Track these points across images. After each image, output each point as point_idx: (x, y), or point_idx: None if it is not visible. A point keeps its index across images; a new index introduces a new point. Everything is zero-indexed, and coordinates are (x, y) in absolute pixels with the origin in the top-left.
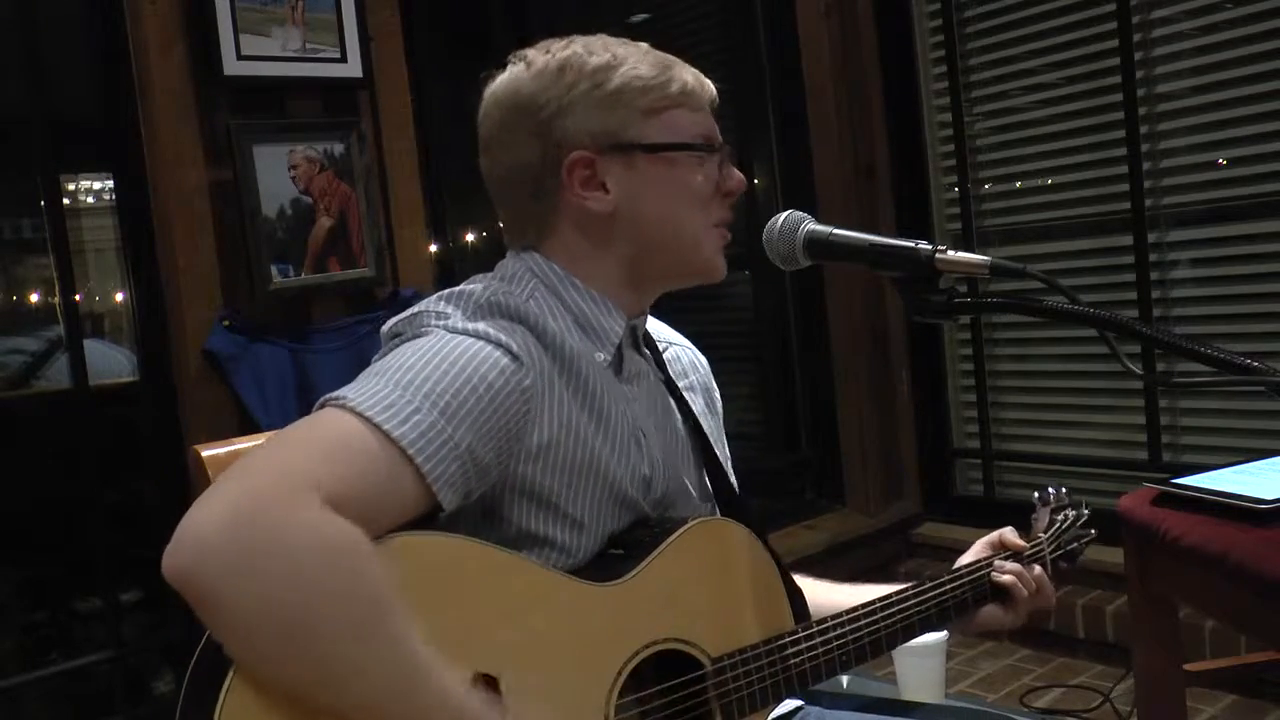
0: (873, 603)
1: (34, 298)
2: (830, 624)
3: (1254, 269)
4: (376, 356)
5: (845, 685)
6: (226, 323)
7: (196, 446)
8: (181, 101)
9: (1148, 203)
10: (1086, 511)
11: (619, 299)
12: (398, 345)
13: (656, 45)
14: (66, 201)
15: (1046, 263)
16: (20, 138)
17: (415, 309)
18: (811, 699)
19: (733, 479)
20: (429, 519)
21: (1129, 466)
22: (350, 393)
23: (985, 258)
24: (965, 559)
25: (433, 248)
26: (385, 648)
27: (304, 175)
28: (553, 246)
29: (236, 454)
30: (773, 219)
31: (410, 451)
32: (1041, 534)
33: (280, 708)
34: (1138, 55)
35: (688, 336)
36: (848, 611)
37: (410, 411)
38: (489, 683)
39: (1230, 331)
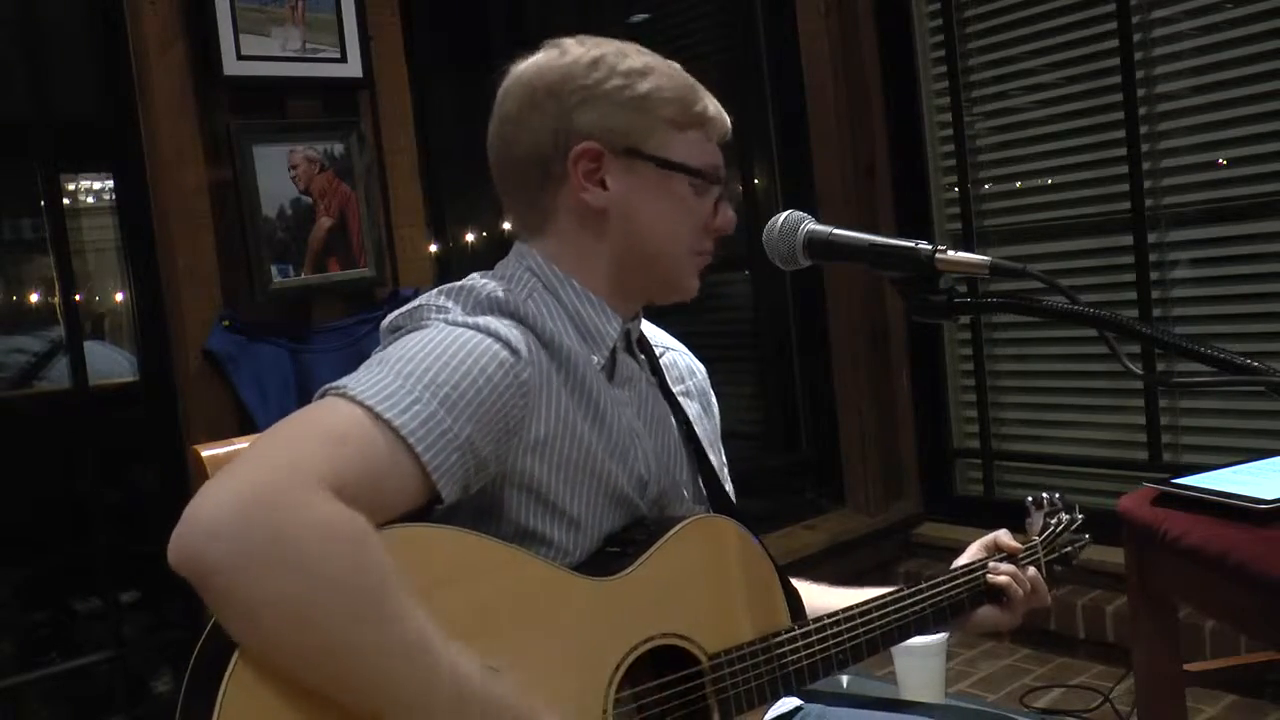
0: (870, 602)
1: (34, 298)
2: (827, 622)
3: (1254, 269)
4: (376, 350)
5: (845, 685)
6: (226, 323)
7: (196, 446)
8: (181, 101)
9: (1148, 203)
10: (1081, 516)
11: (613, 302)
12: (398, 338)
13: (656, 46)
14: (66, 201)
15: (1046, 263)
16: (20, 138)
17: (415, 303)
18: (811, 698)
19: (727, 485)
20: (426, 514)
21: (1129, 466)
22: (351, 382)
23: (985, 258)
24: (961, 561)
25: (433, 248)
26: (390, 630)
27: (304, 175)
28: (552, 238)
29: (236, 454)
30: (773, 219)
31: (410, 441)
32: (1035, 537)
33: (281, 694)
34: (1138, 55)
35: (688, 336)
36: (845, 610)
37: (410, 401)
38: None
39: (1230, 331)
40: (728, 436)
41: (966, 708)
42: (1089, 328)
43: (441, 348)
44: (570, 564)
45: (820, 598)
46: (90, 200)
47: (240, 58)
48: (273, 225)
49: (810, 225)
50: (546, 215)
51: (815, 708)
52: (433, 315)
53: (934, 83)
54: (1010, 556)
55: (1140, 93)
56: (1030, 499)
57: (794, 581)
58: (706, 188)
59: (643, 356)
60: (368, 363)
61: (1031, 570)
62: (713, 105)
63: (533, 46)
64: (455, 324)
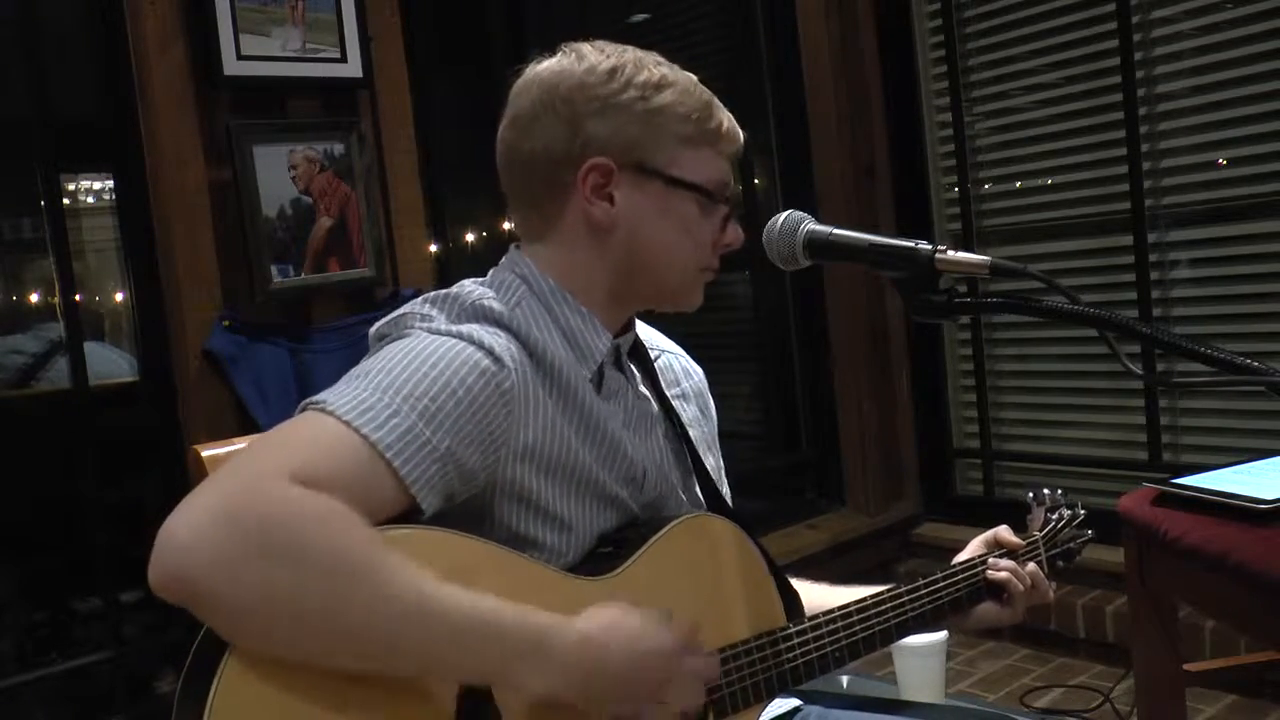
0: (867, 599)
1: (34, 298)
2: (823, 620)
3: (1254, 269)
4: (364, 359)
5: (845, 685)
6: (226, 323)
7: (196, 446)
8: (181, 101)
9: (1148, 203)
10: (1083, 511)
11: (606, 315)
12: (382, 348)
13: (656, 46)
14: (66, 201)
15: (1046, 263)
16: (20, 138)
17: (400, 311)
18: (811, 699)
19: (723, 489)
20: (411, 520)
21: (1129, 466)
22: (330, 396)
23: (985, 258)
24: (961, 557)
25: (433, 248)
26: (389, 591)
27: (304, 175)
28: (553, 245)
29: (236, 454)
30: (773, 219)
31: (388, 455)
32: (1036, 533)
33: (273, 691)
34: (1138, 55)
35: (687, 336)
36: (841, 608)
37: (389, 415)
38: None
39: (1230, 331)
40: (728, 436)
41: (966, 708)
42: (1089, 328)
43: (421, 359)
44: (562, 565)
45: (820, 596)
46: (90, 200)
47: (240, 58)
48: (273, 225)
49: (810, 225)
50: (550, 222)
51: (815, 708)
52: (416, 324)
53: (934, 83)
54: (1010, 553)
55: (1140, 93)
56: (1031, 495)
57: (793, 581)
58: (714, 206)
59: (632, 367)
60: (349, 375)
61: (1031, 565)
62: (728, 120)
63: (539, 48)
64: (437, 333)
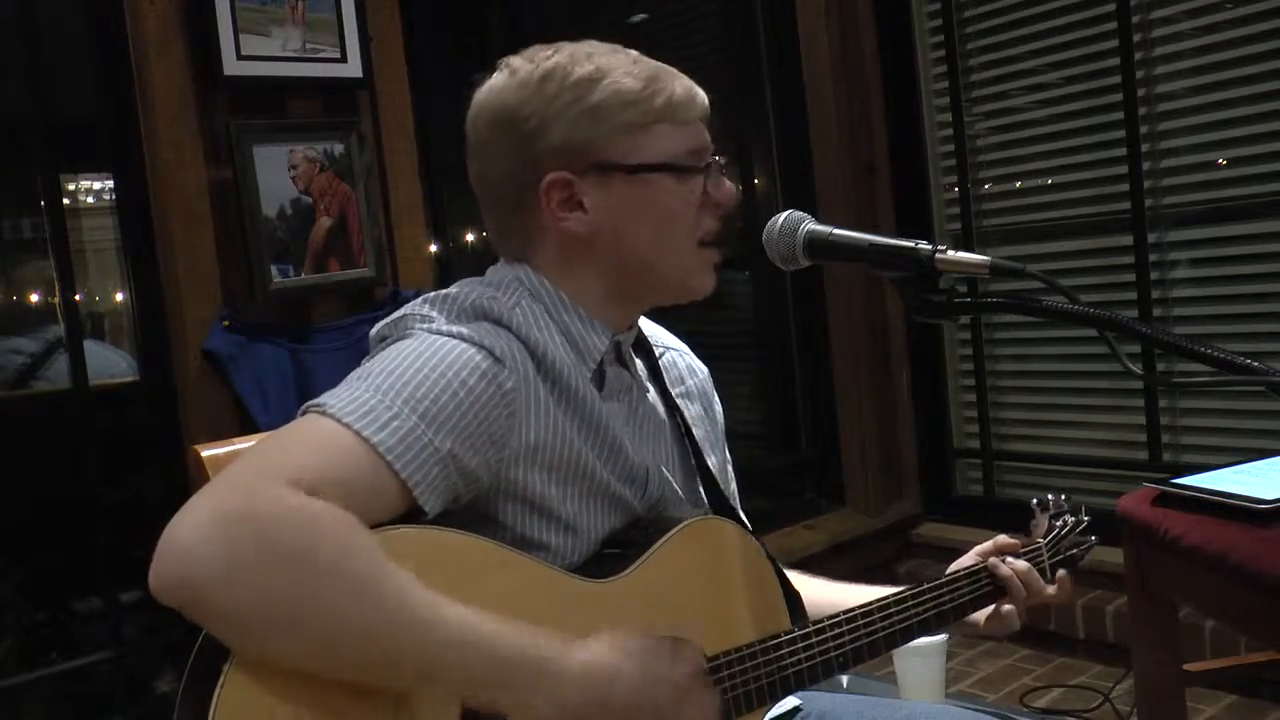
0: (871, 604)
1: (34, 298)
2: (827, 625)
3: (1254, 269)
4: (365, 361)
5: (845, 685)
6: (226, 323)
7: (196, 446)
8: (181, 101)
9: (1148, 203)
10: (1087, 518)
11: (605, 315)
12: (383, 349)
13: (655, 46)
14: (66, 201)
15: (1046, 263)
16: (20, 138)
17: (400, 312)
18: (810, 698)
19: (731, 485)
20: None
21: (1129, 466)
22: (331, 399)
23: (985, 258)
24: (961, 563)
25: (433, 248)
26: (390, 603)
27: (304, 175)
28: (538, 261)
29: (236, 454)
30: (773, 219)
31: (389, 458)
32: (1040, 539)
33: (275, 697)
34: (1138, 55)
35: (688, 335)
36: (845, 613)
37: (390, 417)
38: None
39: (1230, 331)
40: (728, 436)
41: (966, 708)
42: (1089, 328)
43: (422, 360)
44: (568, 567)
45: (821, 594)
46: (90, 200)
47: (240, 58)
48: (273, 225)
49: (810, 225)
50: (532, 242)
51: (815, 708)
52: (416, 325)
53: (934, 83)
54: (1011, 555)
55: (1140, 93)
56: (1035, 500)
57: (794, 576)
58: (689, 175)
59: (637, 363)
60: (349, 377)
61: (1023, 564)
62: (679, 88)
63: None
64: (438, 333)
